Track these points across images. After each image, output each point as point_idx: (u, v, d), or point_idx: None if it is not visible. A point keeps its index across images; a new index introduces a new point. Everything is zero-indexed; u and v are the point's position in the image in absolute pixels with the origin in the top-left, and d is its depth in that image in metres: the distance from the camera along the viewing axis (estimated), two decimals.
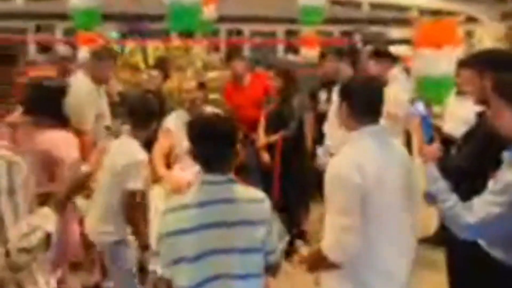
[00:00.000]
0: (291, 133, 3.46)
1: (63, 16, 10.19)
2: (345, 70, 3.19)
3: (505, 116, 1.49)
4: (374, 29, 11.17)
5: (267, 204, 1.47)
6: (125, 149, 2.30)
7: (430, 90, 3.63)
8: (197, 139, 1.43)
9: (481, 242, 1.68)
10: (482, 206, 1.49)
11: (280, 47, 11.67)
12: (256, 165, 3.63)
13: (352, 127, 1.65)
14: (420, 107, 1.89)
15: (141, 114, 2.34)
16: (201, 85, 3.34)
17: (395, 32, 11.69)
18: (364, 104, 1.64)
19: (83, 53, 7.24)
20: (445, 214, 1.62)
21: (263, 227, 1.42)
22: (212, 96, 4.09)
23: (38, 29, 11.25)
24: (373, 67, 3.04)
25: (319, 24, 7.23)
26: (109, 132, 2.84)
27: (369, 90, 1.67)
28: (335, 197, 1.56)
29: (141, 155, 2.32)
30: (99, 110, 3.06)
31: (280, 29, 12.39)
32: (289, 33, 12.11)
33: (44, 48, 9.54)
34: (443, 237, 3.27)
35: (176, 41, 4.50)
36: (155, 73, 3.82)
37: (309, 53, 7.31)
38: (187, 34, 5.16)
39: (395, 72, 3.64)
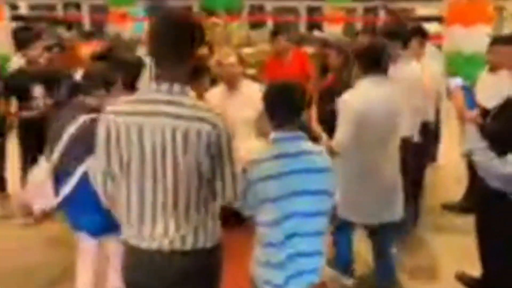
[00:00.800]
0: None
1: None
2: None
3: None
4: (401, 5, 11.02)
5: (328, 156, 1.78)
6: None
7: (461, 66, 3.76)
8: (274, 103, 1.69)
9: None
10: None
11: (302, 24, 11.60)
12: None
13: (359, 77, 2.38)
14: (460, 80, 2.11)
15: None
16: (240, 60, 3.53)
17: (422, 9, 11.51)
18: (368, 61, 2.33)
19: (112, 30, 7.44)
20: (482, 166, 1.93)
21: (327, 173, 1.71)
22: (249, 71, 4.30)
23: (66, 6, 11.42)
24: (414, 44, 3.19)
25: (346, 3, 7.26)
26: None
27: (372, 51, 2.35)
28: (341, 115, 2.34)
29: None
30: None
31: (302, 6, 12.31)
32: (311, 10, 12.03)
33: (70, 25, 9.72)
34: (468, 204, 3.50)
35: (214, 18, 4.67)
36: (203, 48, 4.01)
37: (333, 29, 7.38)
38: (209, 11, 5.32)
39: (431, 48, 3.79)
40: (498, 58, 2.72)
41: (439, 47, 4.47)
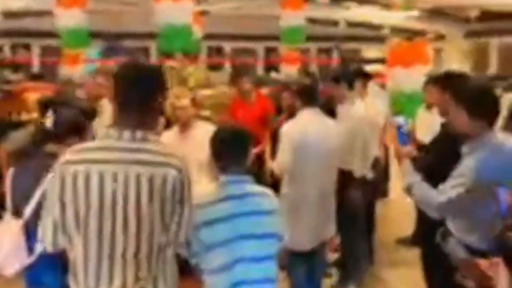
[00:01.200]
0: None
1: (40, 34, 10.19)
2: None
3: (460, 118, 1.87)
4: (350, 46, 11.69)
5: (275, 198, 1.79)
6: None
7: (404, 105, 4.00)
8: (220, 147, 1.72)
9: (452, 228, 1.99)
10: (448, 189, 1.84)
11: (259, 65, 11.97)
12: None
13: (299, 109, 2.76)
14: (399, 119, 2.26)
15: None
16: (193, 102, 3.59)
17: (369, 50, 12.24)
18: (305, 96, 2.75)
19: (65, 72, 7.30)
20: (420, 199, 2.00)
21: (274, 215, 1.71)
22: (204, 113, 4.35)
23: (14, 47, 11.18)
24: (358, 85, 3.40)
25: (300, 44, 7.61)
26: None
27: (307, 88, 2.78)
28: (281, 143, 2.68)
29: None
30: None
31: (259, 47, 12.75)
32: (268, 51, 12.48)
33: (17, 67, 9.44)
34: (418, 238, 3.61)
35: (171, 61, 4.73)
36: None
37: (290, 70, 7.69)
38: (167, 53, 5.41)
39: (374, 87, 4.03)
40: (430, 97, 2.94)
41: (382, 86, 4.76)
